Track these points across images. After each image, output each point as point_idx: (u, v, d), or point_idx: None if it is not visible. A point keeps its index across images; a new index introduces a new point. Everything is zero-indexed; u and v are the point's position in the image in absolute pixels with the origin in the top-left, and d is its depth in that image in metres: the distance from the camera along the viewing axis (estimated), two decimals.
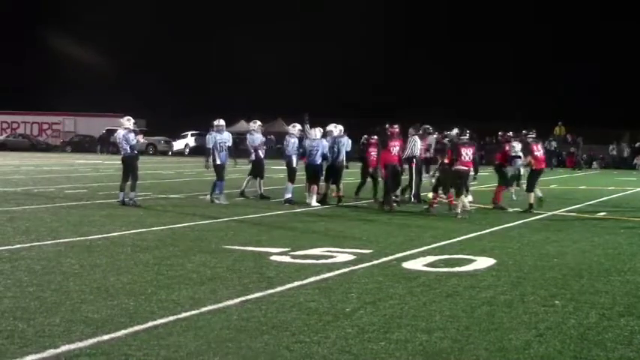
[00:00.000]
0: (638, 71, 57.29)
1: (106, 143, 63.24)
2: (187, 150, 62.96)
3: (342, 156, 20.02)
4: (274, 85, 64.19)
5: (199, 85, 69.70)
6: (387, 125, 19.33)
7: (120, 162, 19.27)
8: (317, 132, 20.05)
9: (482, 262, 11.09)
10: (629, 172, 45.08)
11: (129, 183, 18.63)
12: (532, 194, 18.67)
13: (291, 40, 64.59)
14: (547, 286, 9.47)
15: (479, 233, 14.58)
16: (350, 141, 20.67)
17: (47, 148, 65.51)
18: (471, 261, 11.19)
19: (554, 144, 49.95)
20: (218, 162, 19.49)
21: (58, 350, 6.48)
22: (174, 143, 63.38)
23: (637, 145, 51.54)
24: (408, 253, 11.86)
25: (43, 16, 73.52)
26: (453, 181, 17.69)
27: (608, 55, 59.20)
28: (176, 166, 39.10)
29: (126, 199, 18.32)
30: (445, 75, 61.99)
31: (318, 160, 19.58)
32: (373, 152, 19.62)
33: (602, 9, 60.55)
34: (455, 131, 18.68)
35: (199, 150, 63.46)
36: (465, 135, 17.93)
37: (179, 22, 71.14)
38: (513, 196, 20.04)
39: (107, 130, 64.61)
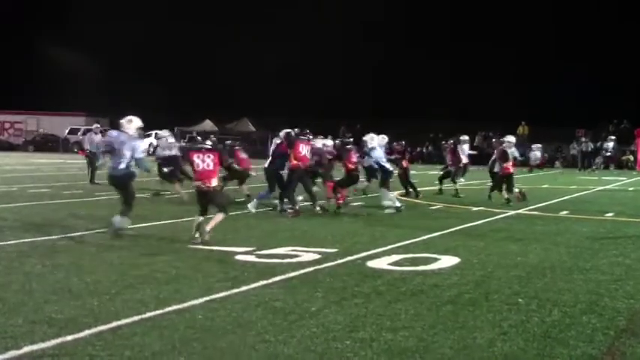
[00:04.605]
0: (602, 71, 57.99)
1: (68, 142, 62.86)
2: (152, 149, 62.58)
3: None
4: (273, 84, 64.16)
5: (177, 83, 69.24)
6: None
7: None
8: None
9: (447, 261, 11.15)
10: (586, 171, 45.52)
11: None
12: None
13: (291, 40, 64.39)
14: (511, 285, 9.54)
15: (443, 232, 14.66)
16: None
17: (10, 147, 64.93)
18: (435, 260, 11.25)
19: (590, 145, 50.35)
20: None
21: (21, 351, 6.41)
22: None
23: (598, 144, 52.06)
24: (373, 252, 11.90)
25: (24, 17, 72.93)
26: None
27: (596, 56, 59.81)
28: None
29: None
30: (445, 75, 62.21)
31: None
32: None
33: (603, 11, 61.14)
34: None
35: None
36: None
37: (167, 20, 70.50)
38: None
39: (70, 129, 64.24)
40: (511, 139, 21.78)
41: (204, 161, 12.79)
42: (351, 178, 18.74)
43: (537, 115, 54.83)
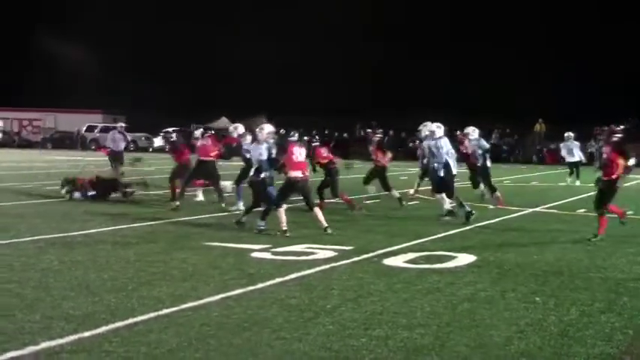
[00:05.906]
0: (616, 70, 57.85)
1: (85, 139, 63.11)
2: (168, 146, 62.74)
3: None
4: (273, 84, 64.23)
5: (183, 82, 69.52)
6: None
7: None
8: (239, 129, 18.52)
9: (463, 259, 11.12)
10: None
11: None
12: None
13: (290, 40, 64.46)
14: (527, 283, 9.50)
15: (460, 230, 14.62)
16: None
17: (28, 145, 65.27)
18: (451, 257, 11.22)
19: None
20: None
21: (38, 347, 6.44)
22: (154, 140, 63.25)
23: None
24: (389, 249, 11.89)
25: (31, 15, 73.18)
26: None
27: (603, 55, 59.65)
28: (157, 162, 38.92)
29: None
30: (445, 75, 62.12)
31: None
32: None
33: (603, 11, 61.05)
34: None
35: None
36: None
37: (164, 19, 70.83)
38: None
39: (88, 127, 64.47)
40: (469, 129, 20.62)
41: (301, 154, 13.87)
42: (332, 175, 17.57)
43: (545, 113, 54.71)
